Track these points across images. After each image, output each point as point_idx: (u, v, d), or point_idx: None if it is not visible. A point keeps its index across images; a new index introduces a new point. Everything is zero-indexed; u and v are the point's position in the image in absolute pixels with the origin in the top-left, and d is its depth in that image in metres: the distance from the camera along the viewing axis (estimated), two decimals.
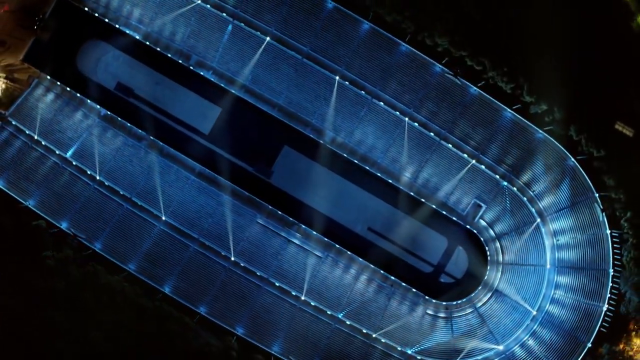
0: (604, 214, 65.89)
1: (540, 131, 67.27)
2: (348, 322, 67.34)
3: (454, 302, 69.84)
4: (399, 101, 68.56)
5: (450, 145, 68.60)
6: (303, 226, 69.24)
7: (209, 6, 68.35)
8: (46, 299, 62.12)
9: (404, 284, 69.28)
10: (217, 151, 70.70)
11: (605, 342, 64.79)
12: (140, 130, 69.29)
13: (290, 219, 69.29)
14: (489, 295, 69.42)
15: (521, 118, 67.40)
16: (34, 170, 66.72)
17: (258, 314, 66.57)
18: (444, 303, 69.69)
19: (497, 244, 70.01)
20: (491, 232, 70.13)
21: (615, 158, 66.23)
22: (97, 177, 67.34)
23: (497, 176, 68.71)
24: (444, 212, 70.00)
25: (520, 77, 65.86)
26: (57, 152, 67.54)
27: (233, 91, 69.69)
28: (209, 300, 66.17)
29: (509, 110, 67.44)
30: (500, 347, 67.00)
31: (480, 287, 69.88)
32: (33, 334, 61.15)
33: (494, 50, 65.76)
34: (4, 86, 68.75)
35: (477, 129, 68.21)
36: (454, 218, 70.11)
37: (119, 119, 69.27)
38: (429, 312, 69.17)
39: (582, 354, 64.95)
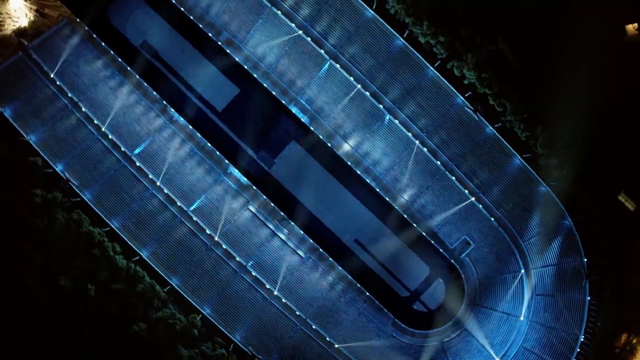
0: (587, 280, 65.85)
1: (545, 185, 67.30)
2: (314, 327, 67.30)
3: (422, 331, 69.76)
4: (414, 123, 68.57)
5: (454, 178, 68.54)
6: (292, 223, 69.20)
7: None
8: (26, 234, 62.00)
9: (377, 302, 69.25)
10: (226, 130, 70.66)
11: None
12: (155, 93, 69.16)
13: (282, 213, 69.22)
14: (457, 332, 69.35)
15: (529, 168, 67.49)
16: (42, 108, 66.37)
17: (228, 298, 66.42)
18: (412, 330, 69.63)
19: (477, 285, 69.94)
20: (474, 271, 70.05)
21: (611, 227, 66.32)
22: (103, 129, 67.25)
23: (493, 219, 68.66)
24: (432, 242, 69.95)
25: (537, 128, 65.85)
26: (69, 94, 67.35)
27: (255, 75, 69.54)
28: (184, 274, 66.00)
29: (519, 157, 67.50)
30: None
31: (450, 323, 69.81)
32: (5, 265, 61.33)
33: (519, 95, 65.60)
34: (32, 18, 68.61)
35: (484, 169, 68.23)
36: (440, 249, 70.03)
37: (137, 77, 69.09)
38: (395, 335, 69.11)
39: None
